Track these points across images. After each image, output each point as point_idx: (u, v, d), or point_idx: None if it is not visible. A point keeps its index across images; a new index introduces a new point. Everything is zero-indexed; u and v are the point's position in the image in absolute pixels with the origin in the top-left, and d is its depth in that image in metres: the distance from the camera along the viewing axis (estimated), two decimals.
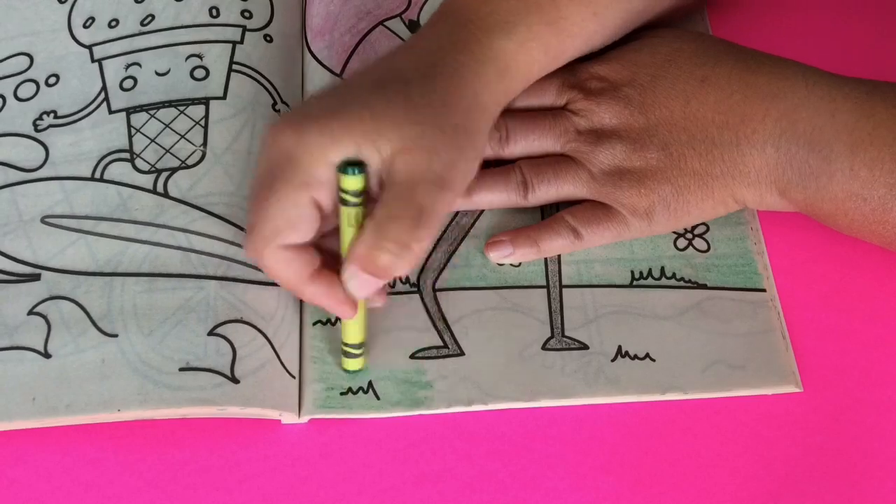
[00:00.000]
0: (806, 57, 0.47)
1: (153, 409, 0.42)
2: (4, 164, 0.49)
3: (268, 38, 0.53)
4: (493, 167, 0.48)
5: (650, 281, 0.48)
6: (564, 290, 0.48)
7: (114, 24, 0.52)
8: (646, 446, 0.44)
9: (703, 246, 0.49)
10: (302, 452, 0.44)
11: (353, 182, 0.40)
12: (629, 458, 0.44)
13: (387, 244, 0.39)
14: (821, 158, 0.44)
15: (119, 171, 0.48)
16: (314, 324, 0.47)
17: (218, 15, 0.52)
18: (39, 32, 0.53)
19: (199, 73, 0.51)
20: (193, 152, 0.49)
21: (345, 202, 0.40)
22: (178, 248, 0.46)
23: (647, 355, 0.46)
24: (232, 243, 0.46)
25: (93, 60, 0.51)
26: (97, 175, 0.48)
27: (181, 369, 0.43)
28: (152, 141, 0.49)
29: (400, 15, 0.56)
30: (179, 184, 0.48)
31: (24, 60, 0.52)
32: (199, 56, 0.51)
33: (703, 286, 0.48)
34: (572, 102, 0.48)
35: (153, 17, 0.52)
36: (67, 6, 0.53)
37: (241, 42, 0.52)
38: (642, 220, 0.47)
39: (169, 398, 0.42)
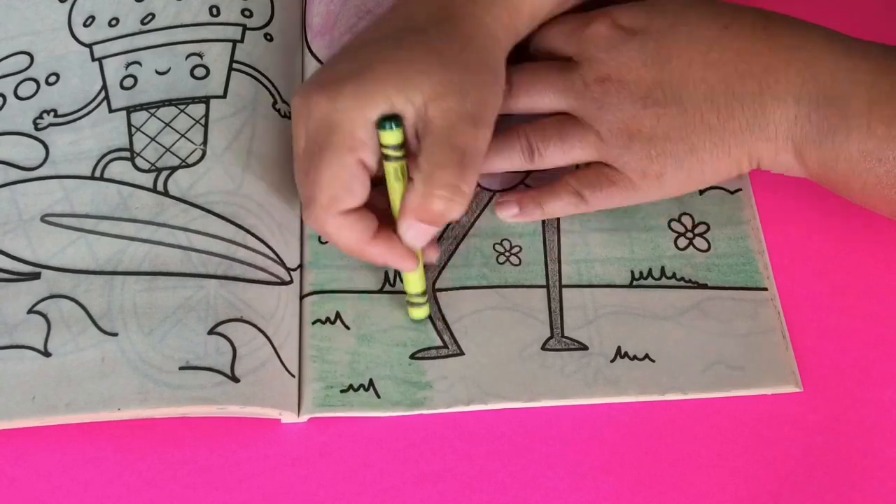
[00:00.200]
0: None
1: (153, 407, 0.42)
2: (4, 162, 0.49)
3: (268, 37, 0.53)
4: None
5: (650, 281, 0.48)
6: (564, 289, 0.48)
7: (114, 22, 0.52)
8: (646, 446, 0.44)
9: (704, 245, 0.49)
10: (301, 452, 0.44)
11: (391, 136, 0.41)
12: (629, 458, 0.44)
13: (438, 191, 0.41)
14: (839, 113, 0.43)
15: (119, 169, 0.48)
16: (313, 323, 0.47)
17: (218, 14, 0.52)
18: (40, 31, 0.52)
19: (200, 71, 0.51)
20: (193, 151, 0.49)
21: (387, 157, 0.42)
22: (178, 246, 0.46)
23: (647, 356, 0.46)
24: (232, 242, 0.46)
25: (93, 59, 0.51)
26: (97, 174, 0.48)
27: (181, 368, 0.43)
28: (152, 140, 0.49)
29: None
30: (179, 182, 0.48)
31: (25, 59, 0.52)
32: (200, 55, 0.51)
33: (704, 286, 0.48)
34: (582, 51, 0.46)
35: (153, 15, 0.52)
36: (68, 5, 0.53)
37: (242, 41, 0.52)
38: (653, 184, 0.45)
39: (169, 397, 0.42)
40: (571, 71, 0.46)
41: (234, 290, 0.45)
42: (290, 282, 0.47)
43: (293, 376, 0.45)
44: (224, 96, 0.50)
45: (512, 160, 0.47)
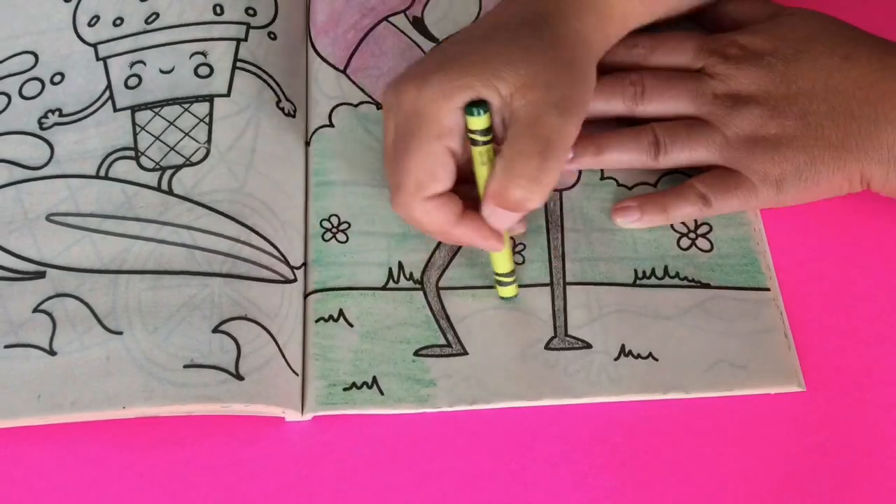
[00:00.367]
0: None
1: (158, 406, 0.43)
2: (10, 162, 0.49)
3: (272, 36, 0.53)
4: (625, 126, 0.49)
5: (653, 280, 0.48)
6: (568, 287, 0.48)
7: (118, 22, 0.52)
8: (648, 446, 0.44)
9: (707, 246, 0.49)
10: (305, 450, 0.44)
11: (478, 122, 0.42)
12: (632, 457, 0.44)
13: (517, 179, 0.42)
14: None
15: (124, 168, 0.48)
16: (317, 321, 0.47)
17: (222, 12, 0.52)
18: (44, 31, 0.53)
19: (204, 70, 0.51)
20: (198, 149, 0.49)
21: (474, 142, 0.43)
22: (183, 245, 0.46)
23: (650, 354, 0.46)
24: (236, 240, 0.46)
25: (98, 59, 0.52)
26: (102, 173, 0.48)
27: (185, 366, 0.43)
28: (157, 139, 0.49)
29: (404, 11, 0.55)
30: (184, 181, 0.48)
31: (30, 59, 0.52)
32: (204, 54, 0.51)
33: (707, 286, 0.48)
34: (711, 66, 0.48)
35: (158, 15, 0.52)
36: (72, 5, 0.53)
37: (246, 39, 0.52)
38: (771, 189, 0.47)
39: (173, 395, 0.43)
40: (702, 82, 0.48)
41: (239, 289, 0.45)
42: (294, 280, 0.47)
43: (297, 374, 0.45)
44: (228, 95, 0.50)
45: (638, 155, 0.49)
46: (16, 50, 0.52)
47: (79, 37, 0.52)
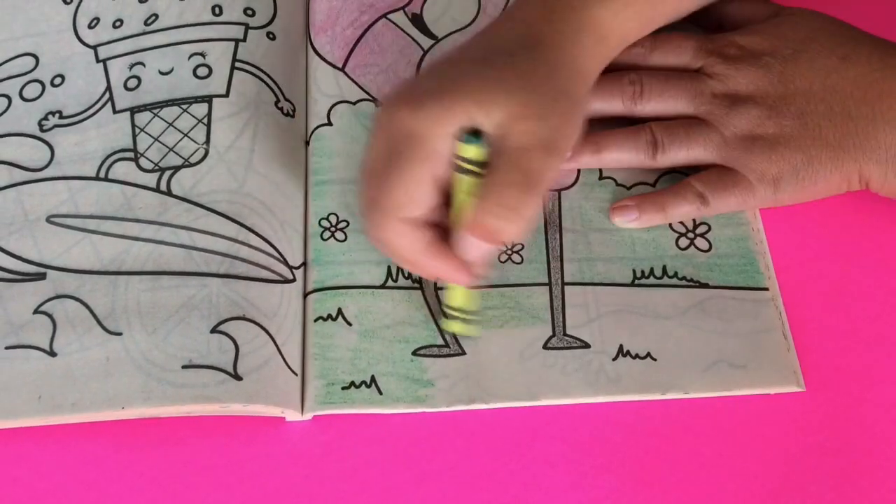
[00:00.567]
0: None
1: (157, 406, 0.43)
2: (10, 163, 0.49)
3: (270, 36, 0.53)
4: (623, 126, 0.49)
5: (652, 280, 0.48)
6: (566, 287, 0.48)
7: (118, 24, 0.53)
8: (646, 446, 0.44)
9: (705, 246, 0.49)
10: (304, 450, 0.44)
11: (471, 150, 0.41)
12: (630, 457, 0.44)
13: (496, 209, 0.41)
14: None
15: (123, 170, 0.48)
16: (316, 320, 0.47)
17: (221, 13, 0.52)
18: (45, 33, 0.53)
19: (202, 71, 0.51)
20: (196, 150, 0.49)
21: (462, 170, 0.42)
22: (182, 245, 0.46)
23: (649, 354, 0.46)
24: (235, 240, 0.47)
25: (97, 60, 0.52)
26: (102, 174, 0.49)
27: (184, 367, 0.43)
28: (156, 140, 0.49)
29: (403, 8, 0.55)
30: (182, 182, 0.48)
31: (30, 61, 0.52)
32: (202, 54, 0.51)
33: (705, 285, 0.47)
34: (710, 66, 0.48)
35: (157, 16, 0.52)
36: (73, 7, 0.53)
37: (244, 40, 0.52)
38: (768, 188, 0.47)
39: (172, 395, 0.43)
40: (701, 82, 0.48)
41: (237, 289, 0.46)
42: (293, 280, 0.47)
43: (296, 374, 0.45)
44: (227, 95, 0.50)
45: (636, 154, 0.48)
46: (16, 52, 0.52)
47: (79, 39, 0.52)
